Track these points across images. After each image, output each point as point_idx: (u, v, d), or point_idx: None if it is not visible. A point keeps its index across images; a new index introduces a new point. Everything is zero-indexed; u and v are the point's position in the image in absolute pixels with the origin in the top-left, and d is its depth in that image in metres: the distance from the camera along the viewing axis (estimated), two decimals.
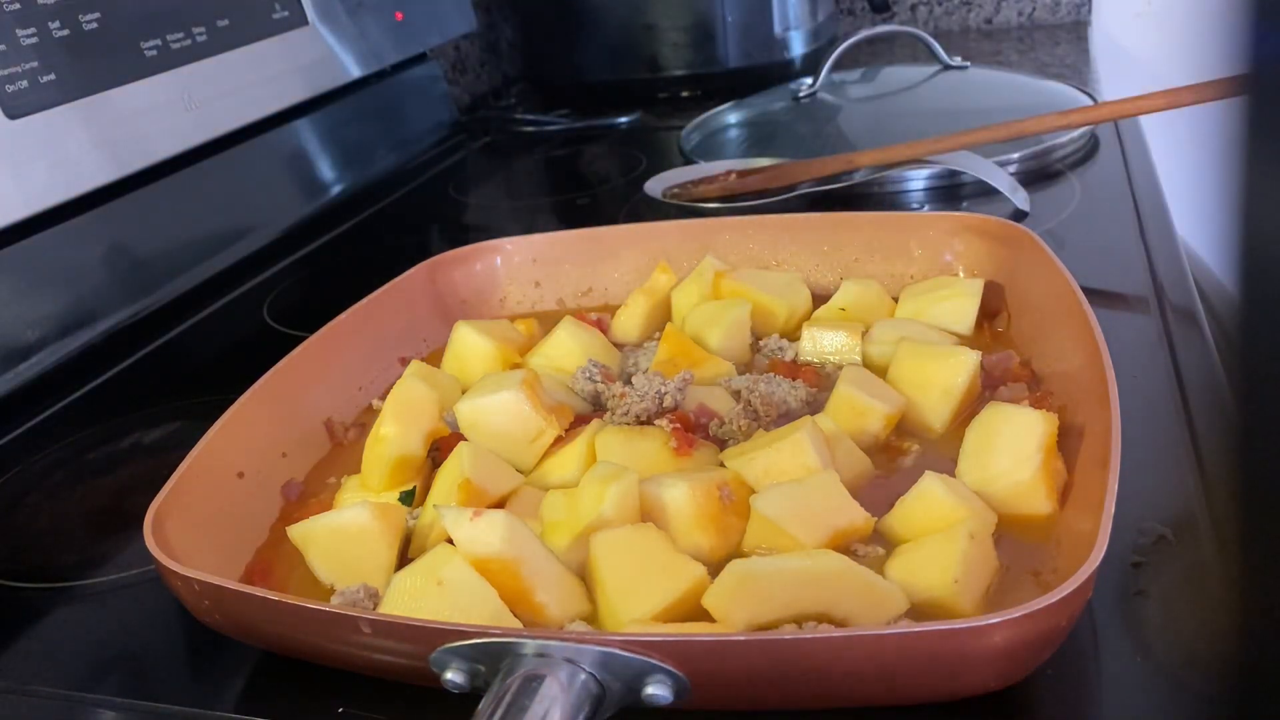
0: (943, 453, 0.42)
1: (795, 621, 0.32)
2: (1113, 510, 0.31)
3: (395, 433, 0.42)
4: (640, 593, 0.33)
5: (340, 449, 0.48)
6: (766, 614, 0.32)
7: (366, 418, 0.50)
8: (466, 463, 0.40)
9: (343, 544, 0.38)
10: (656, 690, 0.29)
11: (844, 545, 0.36)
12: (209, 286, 0.71)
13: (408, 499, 0.42)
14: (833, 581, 0.32)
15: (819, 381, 0.48)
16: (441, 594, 0.33)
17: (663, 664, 0.29)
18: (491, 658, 0.30)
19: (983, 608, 0.33)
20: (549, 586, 0.34)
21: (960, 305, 0.50)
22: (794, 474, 0.38)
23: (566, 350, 0.50)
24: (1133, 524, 0.37)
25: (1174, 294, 0.53)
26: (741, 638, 0.29)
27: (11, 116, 0.58)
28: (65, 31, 0.61)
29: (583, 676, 0.29)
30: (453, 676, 0.30)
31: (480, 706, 0.28)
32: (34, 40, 0.59)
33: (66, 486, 0.51)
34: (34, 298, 0.60)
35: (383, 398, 0.50)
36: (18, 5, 0.59)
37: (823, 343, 0.50)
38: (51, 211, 0.61)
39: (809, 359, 0.50)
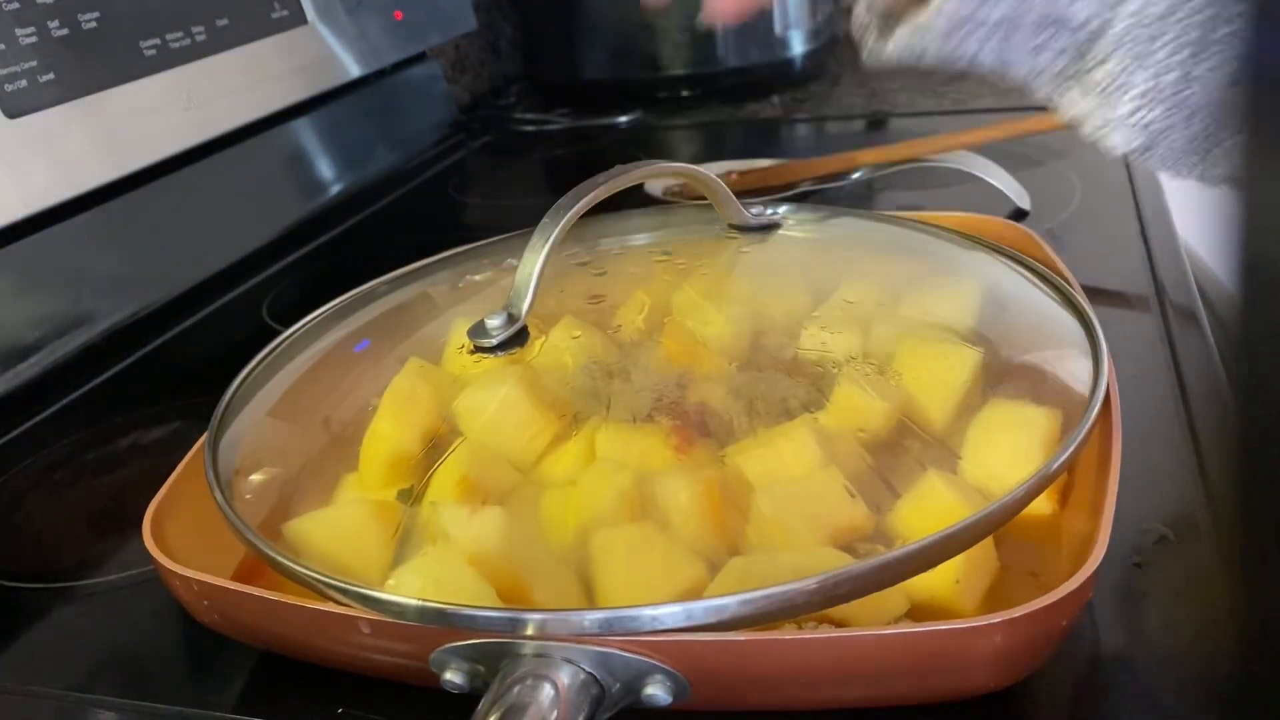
0: (944, 450, 0.41)
1: (795, 621, 0.32)
2: (1113, 511, 0.31)
3: (392, 430, 0.42)
4: (639, 592, 0.33)
5: (337, 446, 0.47)
6: None
7: (364, 415, 0.50)
8: (465, 460, 0.40)
9: (339, 542, 0.38)
10: (656, 690, 0.29)
11: (845, 543, 0.36)
12: (208, 286, 0.71)
13: (405, 497, 0.42)
14: None
15: (819, 380, 0.48)
16: (439, 593, 0.33)
17: (662, 664, 0.29)
18: (490, 658, 0.30)
19: (983, 608, 0.33)
20: (547, 585, 0.34)
21: (962, 303, 0.50)
22: (795, 472, 0.38)
23: (566, 348, 0.50)
24: (1133, 524, 0.37)
25: (1175, 293, 0.53)
26: (741, 638, 0.29)
27: (10, 116, 0.58)
28: (64, 31, 0.61)
29: (582, 677, 0.29)
30: (452, 676, 0.30)
31: (479, 707, 0.28)
32: (33, 40, 0.59)
33: (66, 486, 0.51)
34: (33, 297, 0.60)
35: (380, 395, 0.50)
36: (17, 4, 0.59)
37: (823, 341, 0.50)
38: (51, 211, 0.60)
39: (809, 358, 0.50)
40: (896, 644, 0.29)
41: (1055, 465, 0.33)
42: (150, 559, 0.35)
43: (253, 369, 0.46)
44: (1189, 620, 0.34)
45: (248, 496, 0.39)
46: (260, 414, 0.44)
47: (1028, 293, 0.46)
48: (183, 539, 0.37)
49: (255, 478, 0.40)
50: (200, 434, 0.41)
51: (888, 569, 0.30)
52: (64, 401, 0.59)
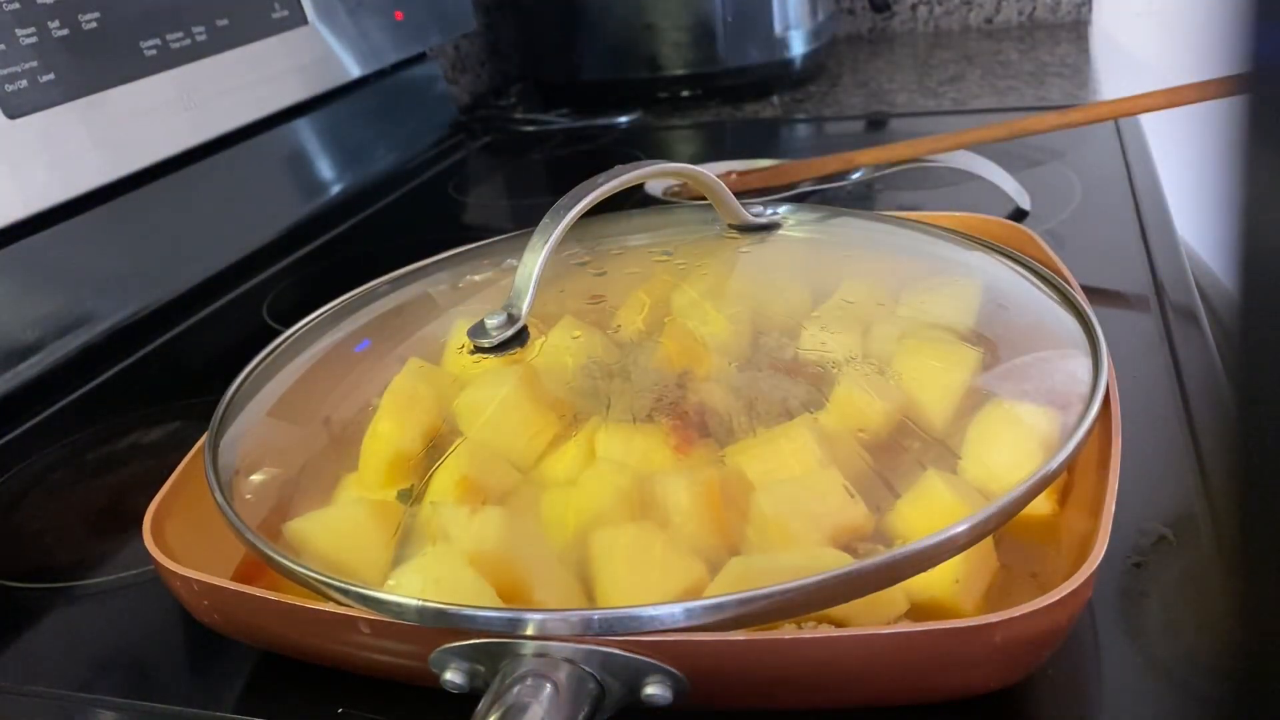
0: (945, 450, 0.41)
1: (795, 621, 0.32)
2: (1113, 511, 0.31)
3: (392, 430, 0.42)
4: (639, 592, 0.33)
5: (337, 446, 0.48)
6: None
7: (364, 415, 0.50)
8: (465, 460, 0.40)
9: (339, 542, 0.38)
10: (656, 690, 0.29)
11: (845, 543, 0.36)
12: (208, 286, 0.71)
13: (405, 497, 0.42)
14: None
15: (819, 380, 0.48)
16: (439, 593, 0.33)
17: (662, 664, 0.29)
18: (490, 658, 0.30)
19: (983, 608, 0.33)
20: (547, 585, 0.34)
21: (962, 303, 0.50)
22: (795, 472, 0.38)
23: (566, 348, 0.50)
24: (1133, 524, 0.37)
25: (1174, 293, 0.53)
26: (740, 638, 0.29)
27: (11, 116, 0.58)
28: (64, 31, 0.61)
29: (582, 676, 0.29)
30: (451, 676, 0.30)
31: (479, 707, 0.28)
32: (33, 40, 0.59)
33: (65, 486, 0.51)
34: (33, 298, 0.60)
35: (381, 394, 0.50)
36: (17, 4, 0.59)
37: (823, 341, 0.50)
38: (51, 211, 0.61)
39: (809, 358, 0.50)
40: (894, 644, 0.29)
41: (1055, 465, 0.33)
42: (150, 559, 0.35)
43: (253, 369, 0.46)
44: (1189, 620, 0.34)
45: (248, 496, 0.39)
46: (260, 414, 0.44)
47: (1028, 293, 0.46)
48: (183, 539, 0.37)
49: (255, 478, 0.40)
50: (200, 434, 0.41)
51: (887, 569, 0.30)
52: (64, 402, 0.59)
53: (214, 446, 0.40)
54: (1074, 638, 0.33)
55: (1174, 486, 0.39)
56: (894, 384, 0.45)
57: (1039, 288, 0.45)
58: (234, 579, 0.38)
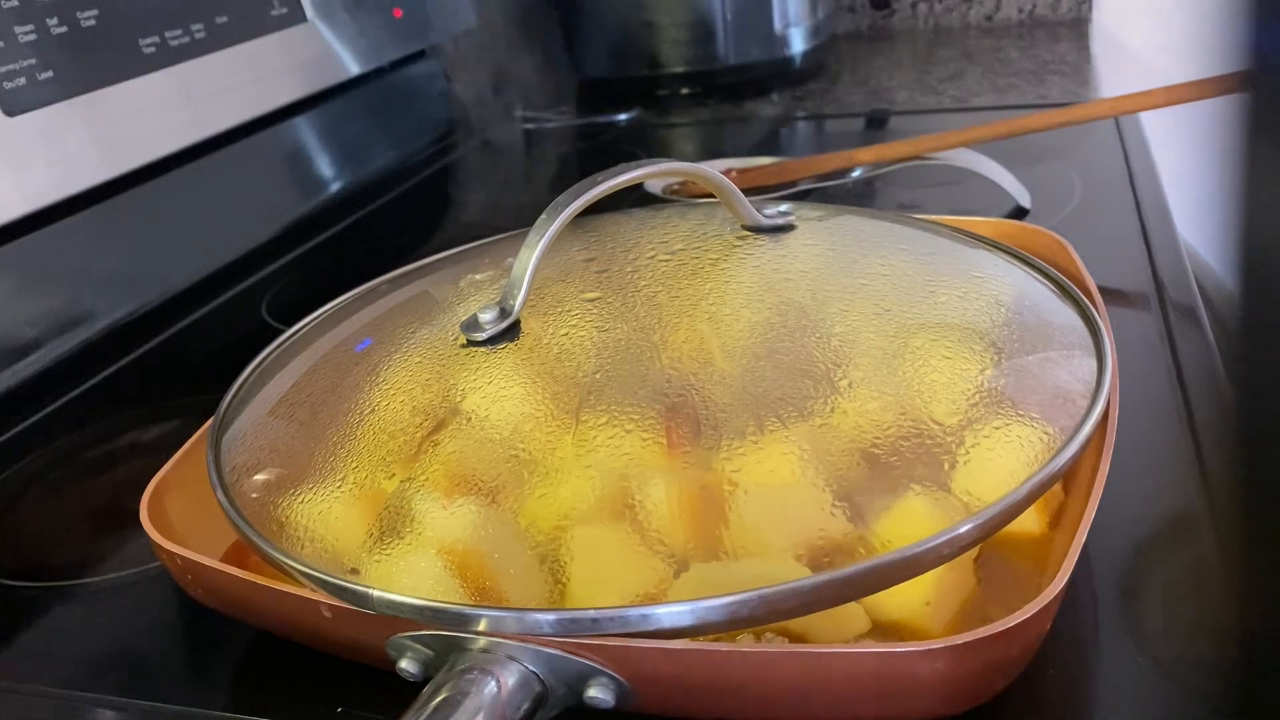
0: (944, 459, 0.41)
1: (754, 631, 0.32)
2: (1082, 543, 0.30)
3: (390, 423, 0.42)
4: (605, 592, 0.33)
5: (337, 440, 0.47)
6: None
7: (364, 410, 0.49)
8: (457, 454, 0.39)
9: (328, 529, 0.38)
10: (598, 693, 0.29)
11: (823, 556, 0.35)
12: (207, 284, 0.71)
13: (398, 488, 0.42)
14: None
15: (823, 384, 0.48)
16: (406, 582, 0.33)
17: (603, 668, 0.29)
18: (441, 650, 0.30)
19: (953, 631, 0.33)
20: (518, 581, 0.34)
21: (971, 307, 0.49)
22: (783, 478, 0.38)
23: (561, 344, 0.50)
24: (1132, 523, 0.37)
25: (1175, 291, 0.53)
26: (680, 646, 0.29)
27: (9, 114, 0.58)
28: (63, 29, 0.61)
29: (526, 675, 0.29)
30: (407, 665, 0.31)
31: (422, 693, 0.29)
32: (32, 37, 0.59)
33: (64, 485, 0.51)
34: (32, 295, 0.60)
35: (380, 390, 0.50)
36: (16, 2, 0.59)
37: (827, 342, 0.50)
38: (49, 209, 0.60)
39: (813, 358, 0.50)
40: (831, 664, 0.28)
41: (1022, 494, 0.32)
42: (148, 551, 0.35)
43: (259, 363, 0.46)
44: (1188, 619, 0.34)
45: (245, 481, 0.39)
46: (264, 407, 0.44)
47: (1043, 300, 0.45)
48: (183, 518, 0.38)
49: (254, 464, 0.40)
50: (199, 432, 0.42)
51: (832, 587, 0.29)
52: (63, 400, 0.59)
53: (217, 430, 0.41)
54: (1074, 637, 0.33)
55: (1174, 486, 0.39)
56: (895, 386, 0.44)
57: (1056, 295, 0.45)
58: (226, 558, 0.38)
